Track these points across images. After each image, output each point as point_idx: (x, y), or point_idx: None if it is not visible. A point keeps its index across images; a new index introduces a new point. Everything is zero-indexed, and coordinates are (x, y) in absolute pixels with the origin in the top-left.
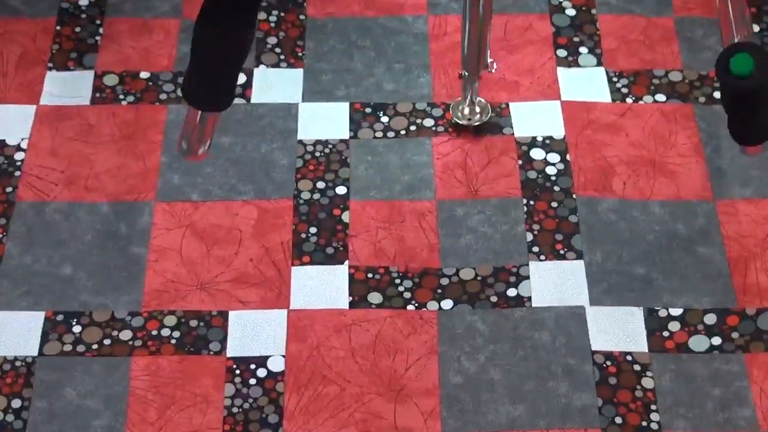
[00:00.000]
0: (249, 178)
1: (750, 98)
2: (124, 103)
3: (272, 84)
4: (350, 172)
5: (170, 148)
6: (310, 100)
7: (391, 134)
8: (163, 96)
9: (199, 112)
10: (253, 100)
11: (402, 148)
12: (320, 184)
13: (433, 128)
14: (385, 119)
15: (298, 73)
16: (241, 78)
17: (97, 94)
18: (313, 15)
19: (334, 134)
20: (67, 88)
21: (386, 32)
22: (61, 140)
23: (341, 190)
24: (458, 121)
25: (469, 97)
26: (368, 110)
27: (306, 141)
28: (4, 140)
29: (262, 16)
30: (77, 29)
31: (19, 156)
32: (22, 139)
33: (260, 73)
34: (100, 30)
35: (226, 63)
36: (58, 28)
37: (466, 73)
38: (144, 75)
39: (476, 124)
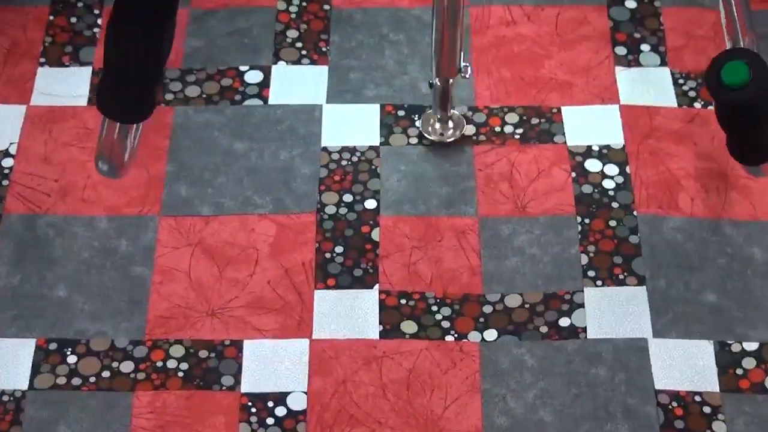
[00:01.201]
0: (266, 189)
1: (747, 112)
2: None
3: (293, 83)
4: (381, 183)
5: (177, 155)
6: (336, 102)
7: (427, 141)
8: (169, 96)
9: (117, 124)
10: (270, 101)
11: (440, 158)
12: (347, 197)
13: (475, 136)
14: (419, 123)
15: (322, 70)
16: (258, 76)
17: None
18: (339, 5)
19: (362, 140)
20: (62, 86)
21: (422, 25)
22: (54, 145)
23: (371, 203)
24: (428, 137)
25: (442, 108)
26: (401, 113)
27: (331, 148)
28: None
29: (281, 5)
30: (73, 19)
31: (6, 163)
32: (11, 144)
33: (279, 70)
34: (99, 21)
35: (143, 67)
36: (52, 17)
37: (437, 82)
38: None
39: (449, 140)
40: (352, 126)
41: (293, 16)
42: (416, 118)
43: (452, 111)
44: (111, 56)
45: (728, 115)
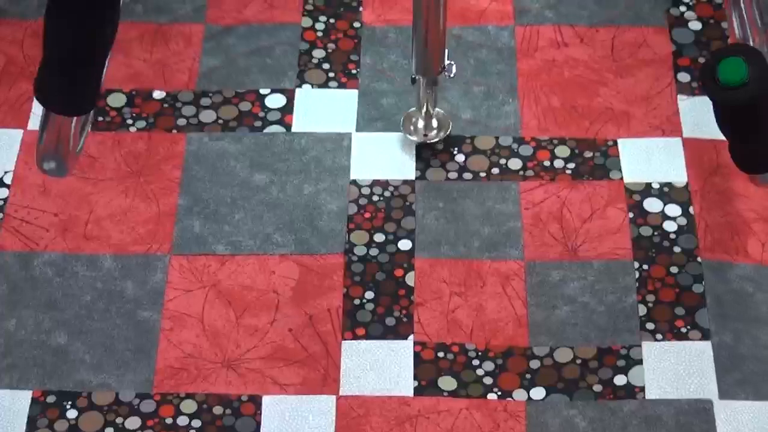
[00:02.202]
0: (289, 227)
1: (746, 113)
2: (133, 129)
3: (319, 109)
4: (416, 222)
5: (190, 187)
6: (367, 130)
7: (468, 176)
8: (181, 121)
9: (59, 117)
10: (294, 129)
11: (482, 194)
12: (378, 237)
13: (521, 170)
14: (460, 157)
15: (352, 95)
16: (280, 100)
17: (100, 118)
18: (371, 22)
19: (396, 174)
20: None
21: (462, 46)
22: None
23: (405, 244)
24: (410, 137)
25: (424, 107)
26: (439, 145)
27: (361, 181)
28: None
29: (306, 22)
30: None
31: (1, 194)
32: (5, 173)
33: (304, 94)
34: None
35: (87, 51)
36: None
37: (421, 78)
38: (158, 94)
39: (433, 141)
40: (384, 157)
41: (320, 34)
42: (456, 151)
43: (436, 110)
44: (53, 40)
45: (726, 117)
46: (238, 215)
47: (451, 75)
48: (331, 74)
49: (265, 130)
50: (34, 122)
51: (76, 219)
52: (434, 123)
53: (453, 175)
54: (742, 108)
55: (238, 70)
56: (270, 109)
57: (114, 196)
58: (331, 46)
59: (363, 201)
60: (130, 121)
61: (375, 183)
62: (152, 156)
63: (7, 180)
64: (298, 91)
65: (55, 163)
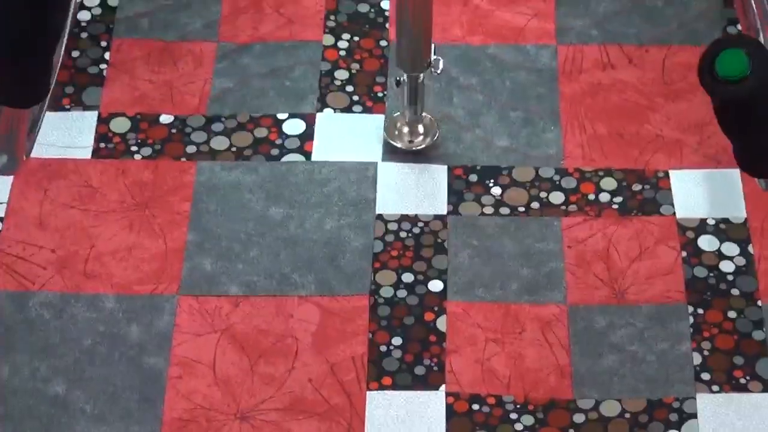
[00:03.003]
0: (308, 265)
1: (747, 110)
2: (138, 157)
3: (342, 135)
4: (449, 261)
5: (200, 221)
6: (394, 160)
7: (505, 211)
8: (191, 149)
9: (9, 109)
10: (314, 157)
11: (520, 231)
12: (407, 277)
13: (564, 205)
14: (496, 190)
15: (378, 120)
16: (299, 126)
17: (102, 145)
18: None
19: (426, 208)
20: (61, 134)
21: (499, 66)
22: (51, 206)
23: (436, 285)
24: (394, 143)
25: (409, 111)
26: (473, 177)
27: (388, 216)
28: None
29: (328, 40)
30: (75, 53)
31: None
32: None
33: (325, 119)
34: (106, 55)
35: (34, 39)
36: None
37: (404, 78)
38: (166, 119)
39: (418, 148)
40: (413, 190)
41: (343, 53)
42: (491, 183)
43: (423, 114)
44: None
45: (726, 114)
46: (252, 252)
47: (438, 71)
48: (356, 97)
49: (282, 159)
50: (33, 149)
51: (76, 255)
52: (420, 128)
53: (489, 209)
54: (743, 104)
55: (253, 92)
56: (288, 136)
57: (117, 231)
58: (355, 66)
59: (390, 237)
60: (134, 148)
61: (403, 218)
62: (159, 187)
63: (0, 212)
64: (319, 115)
65: (6, 157)
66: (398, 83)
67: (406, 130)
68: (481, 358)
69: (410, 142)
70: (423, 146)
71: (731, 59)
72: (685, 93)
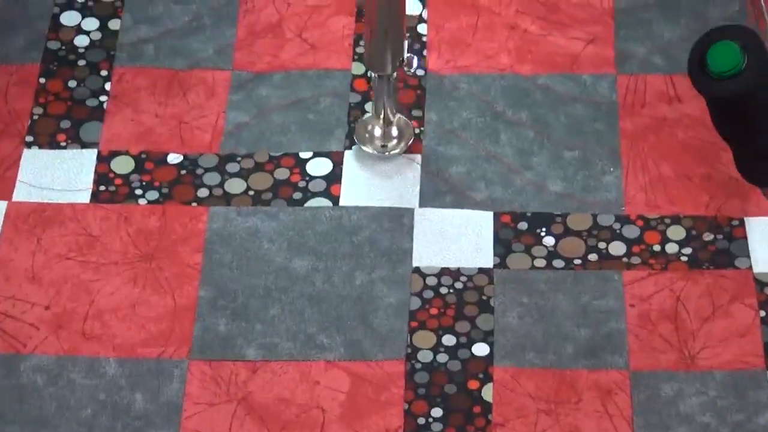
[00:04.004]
0: (336, 325)
1: (744, 107)
2: (143, 201)
3: (373, 177)
4: (495, 321)
5: (213, 275)
6: (433, 205)
7: (558, 263)
8: (203, 192)
9: None
10: (342, 202)
11: (576, 287)
12: (448, 339)
13: (625, 257)
14: (549, 240)
15: (414, 161)
16: (326, 166)
17: (102, 187)
18: (438, 69)
19: (469, 260)
20: (56, 175)
21: (552, 98)
22: (45, 257)
23: (481, 349)
24: (365, 148)
25: (382, 111)
26: (523, 225)
27: (426, 269)
28: None
29: (357, 68)
30: (72, 83)
31: None
32: None
33: (354, 159)
34: (107, 85)
35: None
36: (43, 80)
37: (376, 75)
38: (174, 158)
39: (392, 153)
40: (454, 240)
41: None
42: (543, 232)
43: (397, 116)
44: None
45: (720, 114)
46: (273, 311)
47: (412, 70)
48: None
49: (306, 204)
50: (21, 192)
51: (73, 313)
52: (394, 131)
53: (540, 262)
54: (738, 101)
55: (272, 127)
56: (313, 178)
57: (119, 285)
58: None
59: (429, 294)
60: (139, 192)
61: (443, 271)
62: (167, 235)
63: None
64: (347, 154)
65: None
66: (369, 80)
67: (378, 133)
68: None
69: (383, 146)
70: (397, 151)
71: (724, 52)
72: None
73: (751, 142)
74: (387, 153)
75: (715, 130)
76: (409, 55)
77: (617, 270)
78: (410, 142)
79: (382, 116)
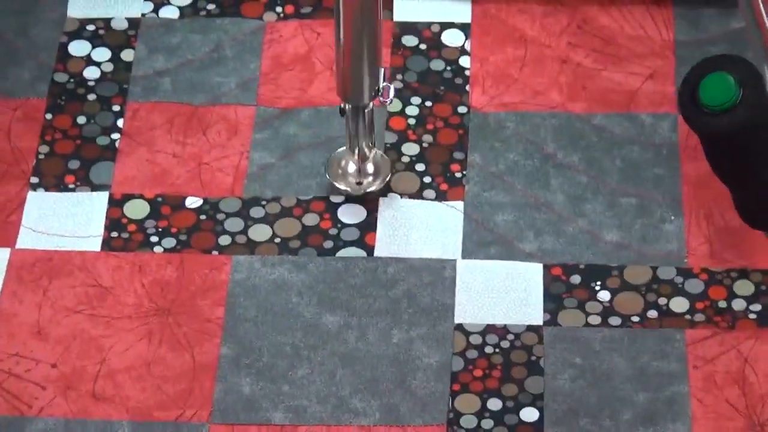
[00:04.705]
0: (371, 387)
1: (740, 144)
2: (158, 250)
3: (411, 225)
4: (545, 383)
5: (236, 331)
6: (477, 257)
7: (615, 321)
8: (224, 240)
9: None
10: (377, 252)
11: (634, 347)
12: (494, 403)
13: (688, 314)
14: (604, 294)
15: (456, 208)
16: (359, 213)
17: (114, 234)
18: (482, 107)
19: (517, 317)
20: (64, 221)
21: (607, 140)
22: (52, 311)
23: (530, 414)
24: (338, 186)
25: (357, 146)
26: (576, 278)
27: (470, 327)
28: None
29: (393, 105)
30: (81, 119)
31: None
32: None
33: (390, 205)
34: (120, 122)
35: None
36: (49, 116)
37: (348, 108)
38: (193, 202)
39: (368, 190)
40: (500, 295)
41: (412, 121)
42: (598, 286)
43: (374, 151)
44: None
45: (715, 152)
46: (301, 371)
47: (389, 101)
48: (427, 178)
49: (338, 254)
50: (26, 239)
51: (82, 372)
52: (370, 168)
53: (595, 319)
54: (733, 138)
55: (300, 169)
56: (345, 225)
57: (133, 342)
58: (427, 138)
59: (472, 354)
60: (154, 239)
61: (488, 329)
62: (185, 287)
63: None
64: (382, 200)
65: None
66: (342, 113)
67: (352, 169)
68: None
69: (358, 183)
70: (373, 188)
71: (717, 85)
72: None
73: (751, 182)
74: (362, 191)
75: (712, 171)
76: (385, 84)
77: (679, 328)
78: (387, 178)
79: (356, 151)
